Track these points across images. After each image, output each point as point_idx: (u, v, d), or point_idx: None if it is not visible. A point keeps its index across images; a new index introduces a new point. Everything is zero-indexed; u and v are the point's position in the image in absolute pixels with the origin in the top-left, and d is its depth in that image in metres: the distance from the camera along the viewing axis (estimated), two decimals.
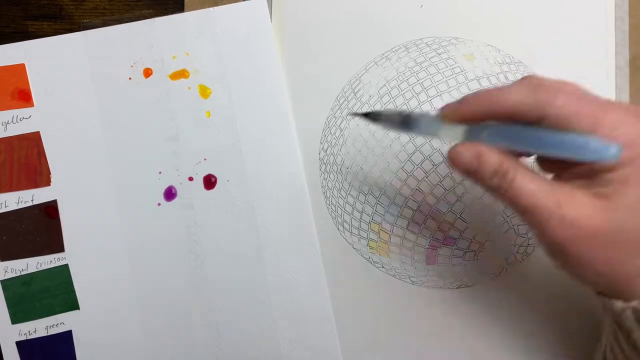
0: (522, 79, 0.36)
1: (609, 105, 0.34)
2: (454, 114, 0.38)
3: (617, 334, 0.37)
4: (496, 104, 0.36)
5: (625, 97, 0.51)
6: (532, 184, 0.35)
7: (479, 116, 0.37)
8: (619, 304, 0.35)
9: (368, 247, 0.53)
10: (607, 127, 0.33)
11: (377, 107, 0.53)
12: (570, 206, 0.34)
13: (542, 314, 0.52)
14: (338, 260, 0.54)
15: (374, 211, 0.53)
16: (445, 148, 0.51)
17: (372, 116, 0.43)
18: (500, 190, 0.35)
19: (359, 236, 0.54)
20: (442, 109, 0.38)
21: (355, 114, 0.45)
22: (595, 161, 0.33)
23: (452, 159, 0.37)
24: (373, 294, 0.54)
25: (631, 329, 0.35)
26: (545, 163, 0.38)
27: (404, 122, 0.40)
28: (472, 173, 0.36)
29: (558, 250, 0.35)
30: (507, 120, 0.36)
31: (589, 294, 0.39)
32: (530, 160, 0.40)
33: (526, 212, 0.35)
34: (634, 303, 0.35)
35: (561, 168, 0.36)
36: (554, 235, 0.34)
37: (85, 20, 0.56)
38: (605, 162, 0.33)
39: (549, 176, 0.37)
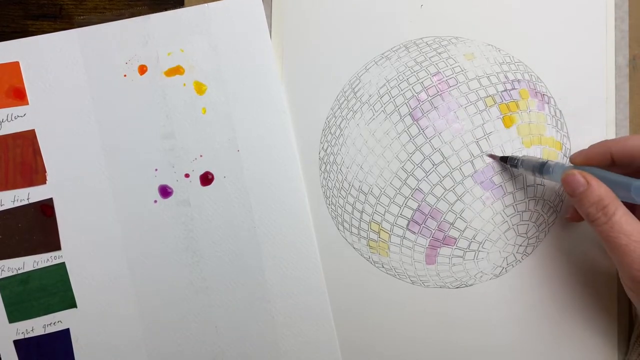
0: None
1: None
2: (580, 157, 0.46)
3: None
4: (615, 146, 0.42)
5: (625, 97, 0.52)
6: (629, 225, 0.39)
7: (602, 157, 0.43)
8: None
9: (368, 247, 0.54)
10: None
11: (377, 107, 0.52)
12: None
13: (542, 314, 0.53)
14: (338, 260, 0.54)
15: (374, 211, 0.53)
16: (445, 148, 0.51)
17: (509, 161, 0.49)
18: (597, 220, 0.40)
19: (359, 236, 0.54)
20: (572, 156, 0.47)
21: (492, 156, 0.50)
22: None
23: (565, 178, 0.41)
24: (373, 293, 0.54)
25: None
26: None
27: (539, 168, 0.45)
28: (577, 195, 0.40)
29: (636, 284, 0.40)
30: (625, 160, 0.42)
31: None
32: None
33: (616, 249, 0.40)
34: None
35: None
36: (638, 275, 0.39)
37: (81, 18, 0.55)
38: None
39: None
